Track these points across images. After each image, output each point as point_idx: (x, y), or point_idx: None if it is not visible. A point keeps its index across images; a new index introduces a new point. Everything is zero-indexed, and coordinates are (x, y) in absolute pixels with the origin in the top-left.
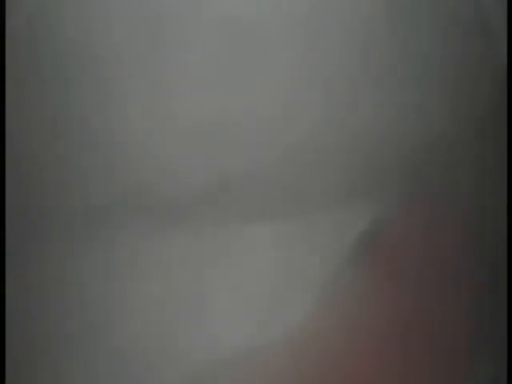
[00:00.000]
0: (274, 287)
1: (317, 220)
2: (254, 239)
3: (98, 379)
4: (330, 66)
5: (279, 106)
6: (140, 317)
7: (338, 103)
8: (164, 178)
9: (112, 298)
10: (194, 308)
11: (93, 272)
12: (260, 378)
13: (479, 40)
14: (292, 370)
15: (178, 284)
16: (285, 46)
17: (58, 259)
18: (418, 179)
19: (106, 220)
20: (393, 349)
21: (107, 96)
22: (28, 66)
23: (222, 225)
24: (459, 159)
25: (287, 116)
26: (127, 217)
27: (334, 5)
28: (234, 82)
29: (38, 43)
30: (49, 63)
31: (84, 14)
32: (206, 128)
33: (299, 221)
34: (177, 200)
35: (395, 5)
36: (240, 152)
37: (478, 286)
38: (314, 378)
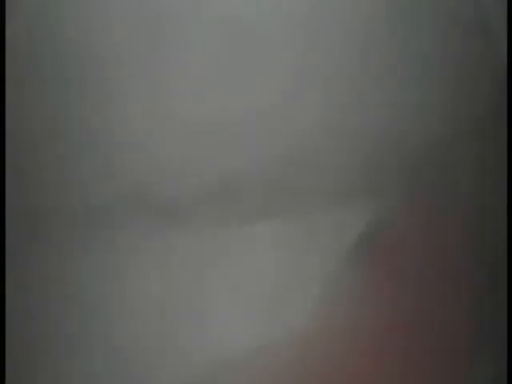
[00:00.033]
0: (273, 287)
1: (316, 220)
2: (254, 239)
3: (97, 379)
4: (330, 66)
5: (279, 106)
6: (140, 317)
7: (337, 103)
8: (164, 178)
9: (112, 297)
10: (194, 308)
11: (93, 272)
12: (260, 379)
13: (479, 40)
14: (293, 371)
15: (177, 284)
16: (285, 46)
17: (57, 259)
18: (418, 179)
19: (106, 220)
20: (393, 349)
21: (107, 96)
22: (28, 66)
23: (222, 225)
24: (459, 159)
25: (287, 116)
26: (127, 217)
27: (333, 5)
28: (233, 81)
29: (38, 43)
30: (49, 63)
31: (84, 14)
32: (206, 128)
33: (299, 221)
34: (177, 200)
35: (395, 5)
36: (240, 152)
37: (477, 285)
38: (315, 378)
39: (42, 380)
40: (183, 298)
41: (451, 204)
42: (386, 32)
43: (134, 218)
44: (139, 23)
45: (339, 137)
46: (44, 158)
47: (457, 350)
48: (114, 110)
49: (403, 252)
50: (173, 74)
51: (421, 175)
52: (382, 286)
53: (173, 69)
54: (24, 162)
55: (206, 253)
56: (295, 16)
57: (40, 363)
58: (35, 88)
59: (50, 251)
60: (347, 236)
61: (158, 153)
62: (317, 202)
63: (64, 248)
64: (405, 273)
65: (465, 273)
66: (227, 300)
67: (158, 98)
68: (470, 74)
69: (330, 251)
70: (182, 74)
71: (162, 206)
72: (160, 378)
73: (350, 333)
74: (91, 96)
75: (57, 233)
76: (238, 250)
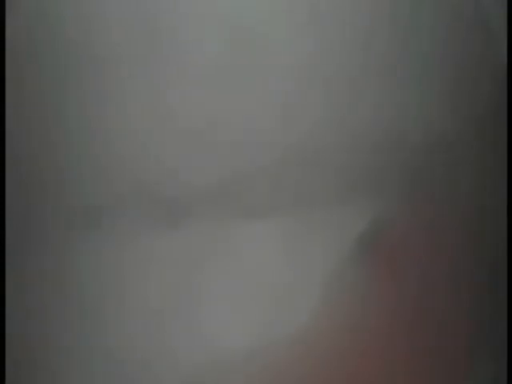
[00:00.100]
0: (274, 287)
1: (317, 220)
2: (254, 239)
3: (97, 379)
4: (330, 66)
5: (279, 105)
6: (139, 317)
7: (338, 103)
8: (164, 178)
9: (111, 297)
10: (194, 308)
11: (92, 272)
12: (260, 379)
13: (479, 40)
14: (294, 371)
15: (177, 284)
16: (285, 45)
17: (57, 259)
18: (418, 179)
19: (105, 220)
20: (393, 349)
21: (107, 96)
22: (28, 65)
23: (222, 225)
24: (459, 159)
25: (287, 116)
26: (127, 217)
27: (334, 5)
28: (233, 81)
29: (38, 43)
30: (49, 63)
31: (84, 15)
32: (206, 128)
33: (300, 221)
34: (177, 200)
35: (395, 5)
36: (240, 152)
37: (477, 285)
38: (315, 378)
39: (42, 380)
40: (183, 297)
41: (451, 204)
42: (386, 32)
43: (133, 218)
44: (139, 23)
45: (339, 137)
46: (44, 158)
47: (457, 350)
48: (113, 110)
49: (403, 252)
50: (172, 74)
51: (421, 175)
52: (382, 285)
53: (172, 69)
54: (24, 162)
55: (206, 253)
56: (295, 16)
57: (40, 363)
58: (35, 88)
59: (50, 251)
60: (348, 236)
61: (157, 153)
62: (318, 202)
63: (64, 248)
64: (405, 272)
65: (465, 273)
66: (227, 300)
67: (158, 98)
68: (470, 74)
69: (331, 251)
70: (181, 74)
71: (162, 206)
72: (159, 377)
73: (351, 332)
74: (91, 96)
75: (56, 233)
76: (238, 250)
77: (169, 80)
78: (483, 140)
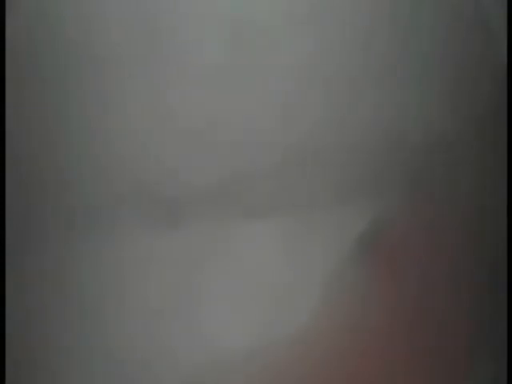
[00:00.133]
0: (274, 287)
1: (317, 220)
2: (254, 239)
3: (97, 379)
4: (330, 66)
5: (279, 105)
6: (139, 316)
7: (338, 103)
8: (164, 178)
9: (111, 297)
10: (194, 308)
11: (92, 272)
12: (260, 379)
13: (479, 40)
14: (294, 371)
15: (177, 284)
16: (285, 46)
17: (57, 259)
18: (419, 179)
19: (105, 220)
20: (393, 349)
21: (107, 96)
22: (28, 65)
23: (222, 225)
24: (459, 159)
25: (287, 116)
26: (127, 217)
27: (333, 5)
28: (234, 82)
29: (38, 43)
30: (49, 63)
31: (84, 15)
32: (206, 128)
33: (300, 220)
34: (177, 200)
35: (395, 5)
36: (240, 152)
37: (477, 285)
38: (315, 378)
39: (42, 380)
40: (183, 297)
41: (451, 204)
42: (386, 32)
43: (133, 218)
44: (139, 23)
45: (339, 137)
46: (44, 158)
47: (457, 350)
48: (113, 110)
49: (403, 252)
50: (172, 74)
51: (421, 175)
52: (382, 285)
53: (172, 69)
54: (24, 162)
55: (206, 253)
56: (295, 16)
57: (40, 363)
58: (35, 88)
59: (50, 251)
60: (348, 236)
61: (157, 153)
62: (318, 202)
63: (63, 248)
64: (405, 272)
65: (465, 273)
66: (227, 300)
67: (158, 98)
68: (470, 74)
69: (331, 251)
70: (181, 74)
71: (162, 206)
72: (159, 377)
73: (351, 332)
74: (91, 96)
75: (56, 233)
76: (238, 250)
77: (169, 80)
78: (483, 140)
